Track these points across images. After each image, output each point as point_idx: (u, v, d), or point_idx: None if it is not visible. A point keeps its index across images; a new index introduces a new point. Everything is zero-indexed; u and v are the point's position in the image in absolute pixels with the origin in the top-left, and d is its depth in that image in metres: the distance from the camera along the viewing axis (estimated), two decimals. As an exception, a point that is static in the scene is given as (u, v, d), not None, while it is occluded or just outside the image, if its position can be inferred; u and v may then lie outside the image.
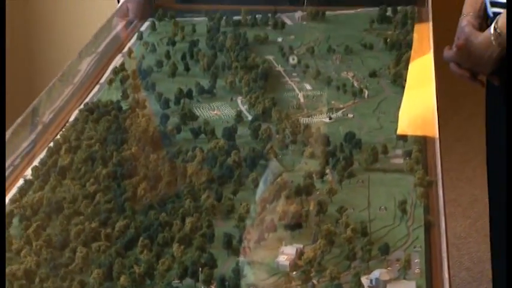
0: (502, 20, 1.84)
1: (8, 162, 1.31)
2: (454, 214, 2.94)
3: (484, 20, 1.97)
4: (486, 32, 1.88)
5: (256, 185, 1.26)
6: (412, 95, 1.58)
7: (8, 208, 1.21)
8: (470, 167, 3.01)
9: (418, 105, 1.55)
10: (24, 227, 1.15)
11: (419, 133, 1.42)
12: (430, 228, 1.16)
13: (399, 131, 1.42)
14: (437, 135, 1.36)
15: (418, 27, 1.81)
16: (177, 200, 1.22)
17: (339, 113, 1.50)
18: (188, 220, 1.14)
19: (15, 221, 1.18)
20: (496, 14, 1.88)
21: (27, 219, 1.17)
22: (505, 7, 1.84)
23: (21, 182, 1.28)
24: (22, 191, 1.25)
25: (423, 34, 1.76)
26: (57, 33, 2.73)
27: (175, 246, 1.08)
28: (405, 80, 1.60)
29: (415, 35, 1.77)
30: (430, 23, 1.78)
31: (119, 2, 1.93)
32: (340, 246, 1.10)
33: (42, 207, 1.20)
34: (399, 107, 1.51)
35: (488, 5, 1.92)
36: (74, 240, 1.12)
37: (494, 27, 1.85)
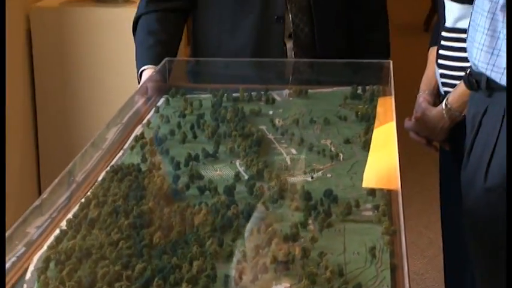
0: (451, 97, 1.86)
1: (46, 216, 1.30)
2: (414, 254, 2.94)
3: (437, 97, 1.99)
4: (439, 107, 1.91)
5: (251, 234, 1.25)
6: (379, 157, 1.58)
7: (45, 254, 1.19)
8: (426, 215, 3.01)
9: (383, 166, 1.55)
10: (59, 270, 1.13)
11: (385, 189, 1.41)
12: (395, 269, 1.14)
13: (369, 188, 1.41)
14: (400, 191, 1.36)
15: (383, 102, 1.81)
16: (186, 246, 1.20)
17: (319, 173, 1.49)
18: (195, 263, 1.13)
19: (51, 265, 1.16)
20: (446, 93, 1.90)
21: (61, 264, 1.15)
22: (453, 87, 1.86)
23: (57, 231, 1.27)
24: (58, 239, 1.24)
25: (387, 108, 1.76)
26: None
27: (184, 285, 1.06)
28: (377, 146, 1.60)
29: (381, 109, 1.77)
30: (393, 99, 1.78)
31: (139, 82, 1.95)
32: (321, 286, 1.08)
33: (74, 253, 1.18)
34: (370, 170, 1.51)
35: (440, 85, 1.94)
36: (100, 281, 1.09)
37: (445, 103, 1.87)
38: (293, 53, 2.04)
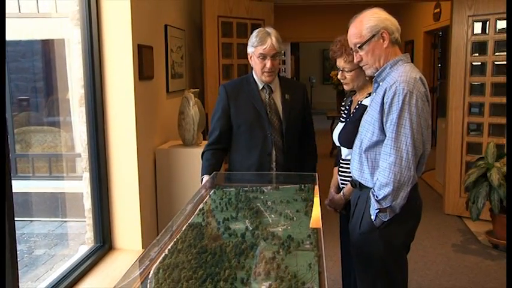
0: (345, 190, 1.88)
1: (159, 246, 1.28)
2: (330, 263, 2.81)
3: (338, 190, 1.99)
4: (339, 194, 1.92)
5: (253, 256, 1.23)
6: (312, 218, 1.53)
7: (157, 265, 1.18)
8: (338, 244, 2.93)
9: (314, 222, 1.48)
10: (163, 273, 1.13)
11: (315, 233, 1.37)
12: (320, 273, 1.13)
13: (308, 234, 1.39)
14: (322, 235, 1.33)
15: (314, 193, 1.81)
16: (222, 262, 1.19)
17: (284, 226, 1.47)
18: (227, 272, 1.11)
19: (160, 271, 1.15)
20: (343, 187, 1.91)
21: (164, 270, 1.15)
22: (346, 184, 1.88)
23: (163, 254, 1.26)
24: (164, 258, 1.23)
25: (316, 195, 1.75)
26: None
27: (221, 283, 1.05)
28: (311, 213, 1.57)
29: (313, 196, 1.76)
30: (317, 190, 1.78)
31: (201, 183, 1.94)
32: (286, 282, 1.06)
33: (170, 265, 1.18)
34: (308, 224, 1.49)
35: (340, 184, 1.96)
36: (182, 279, 1.09)
37: (343, 192, 1.88)
38: (275, 168, 2.03)
